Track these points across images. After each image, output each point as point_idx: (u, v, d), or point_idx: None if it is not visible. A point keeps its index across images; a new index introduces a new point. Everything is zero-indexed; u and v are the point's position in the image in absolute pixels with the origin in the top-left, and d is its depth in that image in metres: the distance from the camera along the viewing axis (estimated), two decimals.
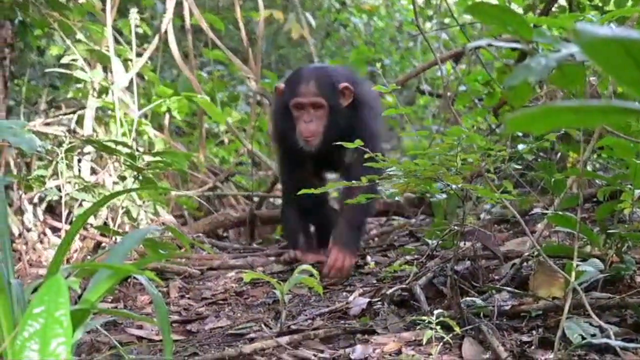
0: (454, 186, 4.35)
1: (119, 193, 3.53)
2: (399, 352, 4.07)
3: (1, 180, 3.53)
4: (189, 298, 5.34)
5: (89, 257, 5.86)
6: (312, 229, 6.23)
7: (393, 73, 11.06)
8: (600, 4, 6.33)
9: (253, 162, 7.83)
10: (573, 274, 3.53)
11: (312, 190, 4.38)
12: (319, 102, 5.48)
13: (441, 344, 3.80)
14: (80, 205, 6.34)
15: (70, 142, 6.14)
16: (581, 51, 1.50)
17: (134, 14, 7.03)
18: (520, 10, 6.35)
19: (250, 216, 6.90)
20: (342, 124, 5.50)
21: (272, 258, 6.16)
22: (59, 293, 2.59)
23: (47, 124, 7.36)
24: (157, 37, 7.25)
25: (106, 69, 7.09)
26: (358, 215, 5.58)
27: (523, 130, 1.39)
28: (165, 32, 7.27)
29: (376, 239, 6.88)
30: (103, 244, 6.10)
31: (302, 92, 5.49)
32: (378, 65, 7.20)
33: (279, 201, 7.56)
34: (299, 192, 4.52)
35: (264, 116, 8.07)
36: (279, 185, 7.31)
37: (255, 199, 7.41)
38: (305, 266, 4.60)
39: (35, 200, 6.75)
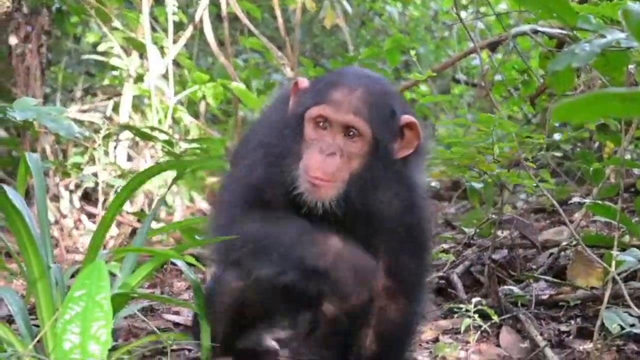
0: (491, 174, 4.33)
1: (153, 170, 3.52)
2: (436, 340, 4.06)
3: (39, 167, 3.55)
4: None
5: (124, 243, 5.88)
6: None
7: (428, 62, 11.02)
8: None
9: None
10: (613, 263, 3.50)
11: None
12: (359, 126, 3.21)
13: (479, 332, 3.78)
14: (116, 192, 6.36)
15: (107, 129, 6.16)
16: (630, 33, 1.49)
17: (170, 2, 7.03)
18: None
19: None
20: (382, 182, 3.33)
21: None
22: (99, 277, 2.61)
23: (83, 111, 7.40)
24: (192, 25, 7.25)
25: (142, 56, 7.10)
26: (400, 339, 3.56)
27: (569, 120, 1.37)
28: (201, 19, 7.27)
29: None
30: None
31: (337, 100, 3.25)
32: (413, 53, 7.12)
33: None
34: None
35: None
36: None
37: None
38: None
39: (72, 187, 6.78)
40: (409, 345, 3.58)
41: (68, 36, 7.77)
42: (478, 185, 4.72)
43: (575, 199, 4.60)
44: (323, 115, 3.24)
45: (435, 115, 10.23)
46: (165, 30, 7.29)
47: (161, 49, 7.10)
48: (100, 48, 7.13)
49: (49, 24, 6.92)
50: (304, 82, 3.43)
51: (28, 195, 4.05)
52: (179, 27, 7.45)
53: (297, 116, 3.30)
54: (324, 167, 3.18)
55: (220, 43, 7.61)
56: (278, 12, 7.57)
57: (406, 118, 3.28)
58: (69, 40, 8.23)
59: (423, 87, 7.60)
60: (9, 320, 3.90)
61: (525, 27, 3.54)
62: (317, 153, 3.20)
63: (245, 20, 7.05)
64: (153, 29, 7.21)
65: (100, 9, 6.92)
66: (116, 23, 6.98)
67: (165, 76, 6.98)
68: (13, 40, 6.71)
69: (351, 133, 3.21)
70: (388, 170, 3.28)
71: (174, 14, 7.12)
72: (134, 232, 6.14)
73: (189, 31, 7.20)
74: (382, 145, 3.24)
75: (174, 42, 7.12)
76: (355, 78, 3.36)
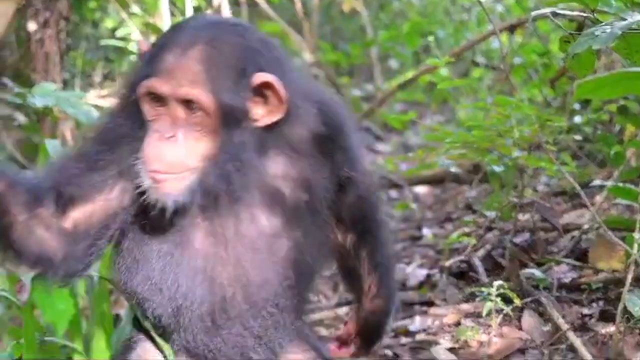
0: (510, 157, 4.33)
1: None
2: (458, 323, 4.06)
3: (59, 153, 3.56)
4: None
5: None
6: None
7: (447, 46, 10.98)
8: None
9: None
10: (635, 245, 3.48)
11: None
12: (198, 98, 2.56)
13: (501, 315, 3.78)
14: None
15: None
16: None
17: None
18: None
19: None
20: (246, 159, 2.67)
21: None
22: None
23: (102, 97, 7.41)
24: (210, 10, 7.24)
25: None
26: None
27: (592, 96, 1.37)
28: (219, 5, 7.27)
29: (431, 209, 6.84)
30: None
31: (167, 68, 2.58)
32: (431, 38, 7.10)
33: None
34: None
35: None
36: None
37: None
38: None
39: None
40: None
41: (86, 22, 7.77)
42: (498, 169, 4.70)
43: (597, 182, 4.58)
44: (152, 90, 2.58)
45: (455, 99, 10.20)
46: (183, 15, 7.30)
47: None
48: (119, 33, 7.13)
49: (68, 9, 6.92)
50: (144, 45, 2.75)
51: None
52: (196, 11, 7.45)
53: (134, 93, 2.64)
54: (162, 156, 2.56)
55: None
56: None
57: (260, 76, 2.61)
58: (87, 26, 8.24)
59: (443, 71, 7.55)
60: None
61: (546, 10, 3.52)
62: (156, 139, 2.58)
63: (264, 5, 7.04)
64: (171, 14, 7.21)
65: None
66: (134, 8, 6.99)
67: None
68: (32, 26, 6.71)
69: (192, 107, 2.57)
70: (251, 144, 2.65)
71: None
72: None
73: None
74: (233, 115, 2.60)
75: None
76: (192, 32, 2.63)
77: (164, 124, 2.57)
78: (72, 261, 2.63)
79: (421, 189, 7.08)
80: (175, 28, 2.72)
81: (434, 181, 7.21)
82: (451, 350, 3.84)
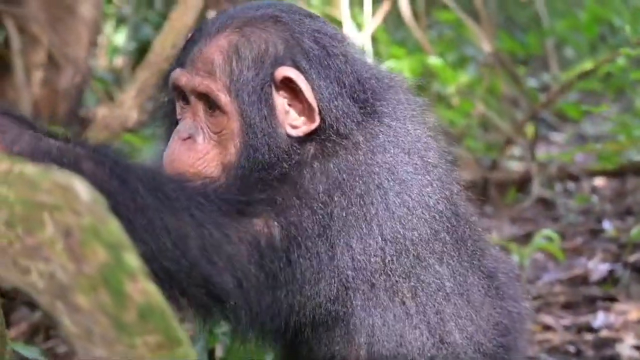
0: None
1: None
2: None
3: None
4: None
5: None
6: None
7: (623, 35, 10.71)
8: None
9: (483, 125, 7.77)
10: None
11: None
12: (213, 93, 2.31)
13: None
14: None
15: None
16: None
17: None
18: None
19: (483, 179, 6.84)
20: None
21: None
22: None
23: None
24: (389, 1, 7.27)
25: None
26: None
27: None
28: None
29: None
30: None
31: (191, 58, 2.36)
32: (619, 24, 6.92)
33: (514, 163, 7.43)
34: None
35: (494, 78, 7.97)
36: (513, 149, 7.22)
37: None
38: (545, 231, 4.52)
39: None
40: None
41: None
42: None
43: None
44: (173, 82, 2.37)
45: (633, 88, 9.94)
46: (359, 5, 7.34)
47: (357, 24, 7.16)
48: None
49: None
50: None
51: None
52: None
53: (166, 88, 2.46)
54: (176, 160, 2.33)
55: (415, 16, 7.61)
56: None
57: (283, 70, 2.28)
58: None
59: (620, 60, 7.38)
60: None
61: None
62: (175, 140, 2.34)
63: None
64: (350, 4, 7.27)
65: None
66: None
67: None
68: (212, 14, 6.89)
69: (211, 104, 2.31)
70: (279, 157, 2.29)
71: None
72: None
73: (386, 5, 7.21)
74: (255, 116, 2.29)
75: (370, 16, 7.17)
76: (226, 19, 2.35)
77: (186, 124, 2.36)
78: None
79: (599, 181, 6.94)
80: (216, 16, 2.45)
81: (613, 173, 7.04)
82: (636, 347, 3.78)
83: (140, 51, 7.14)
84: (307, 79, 2.28)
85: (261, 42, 2.30)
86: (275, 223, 2.19)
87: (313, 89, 2.28)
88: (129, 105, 4.34)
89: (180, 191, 2.14)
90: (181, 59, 2.39)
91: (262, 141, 2.28)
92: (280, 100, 2.30)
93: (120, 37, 8.12)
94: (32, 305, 3.88)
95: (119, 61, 8.41)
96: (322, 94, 2.28)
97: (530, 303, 4.07)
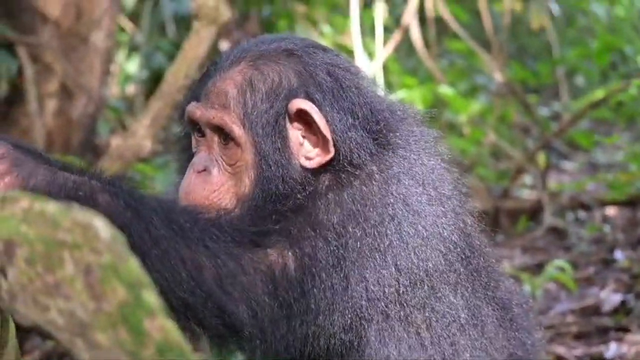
0: None
1: None
2: None
3: None
4: None
5: None
6: None
7: (634, 63, 10.72)
8: None
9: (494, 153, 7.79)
10: None
11: None
12: (227, 125, 2.35)
13: None
14: None
15: None
16: None
17: (381, 6, 7.08)
18: None
19: (494, 208, 6.85)
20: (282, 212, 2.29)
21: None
22: None
23: None
24: (401, 29, 7.29)
25: None
26: None
27: None
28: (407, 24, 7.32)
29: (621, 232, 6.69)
30: None
31: (206, 91, 2.40)
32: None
33: (525, 192, 7.44)
34: None
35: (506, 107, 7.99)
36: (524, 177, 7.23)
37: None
38: (557, 261, 4.53)
39: None
40: None
41: None
42: None
43: None
44: (187, 115, 2.41)
45: None
46: (370, 34, 7.37)
47: (368, 53, 7.18)
48: None
49: (258, 28, 7.10)
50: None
51: None
52: (385, 30, 7.52)
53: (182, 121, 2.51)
54: (192, 193, 2.35)
55: (426, 45, 7.64)
56: (486, 16, 7.53)
57: (296, 103, 2.31)
58: None
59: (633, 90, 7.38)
60: None
61: None
62: (190, 173, 2.37)
63: (455, 25, 7.05)
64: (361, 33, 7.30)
65: (308, 14, 7.06)
66: (324, 27, 7.10)
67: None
68: (224, 45, 6.92)
69: (225, 136, 2.35)
70: (293, 189, 2.30)
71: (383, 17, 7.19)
72: None
73: (397, 35, 7.24)
74: (269, 148, 2.31)
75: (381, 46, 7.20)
76: (240, 53, 2.40)
77: (201, 157, 2.39)
78: None
79: (611, 210, 6.93)
80: (230, 49, 2.52)
81: (626, 202, 7.05)
82: None
83: (153, 79, 7.18)
84: (320, 110, 2.30)
85: (275, 75, 2.34)
86: (290, 254, 2.21)
87: (327, 120, 2.30)
88: (143, 134, 4.37)
89: (194, 222, 2.17)
90: (196, 92, 2.43)
91: (277, 173, 2.30)
92: (295, 132, 2.33)
93: (132, 65, 8.16)
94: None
95: (131, 89, 8.45)
96: (335, 126, 2.31)
97: (542, 333, 4.08)
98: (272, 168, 2.30)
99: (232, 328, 2.18)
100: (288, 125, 2.32)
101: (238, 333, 2.19)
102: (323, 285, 2.21)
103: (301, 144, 2.34)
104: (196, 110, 2.38)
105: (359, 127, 2.32)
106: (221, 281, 2.14)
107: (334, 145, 2.30)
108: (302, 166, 2.33)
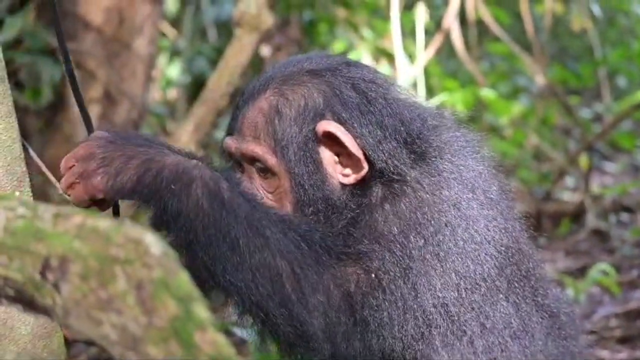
0: None
1: None
2: None
3: None
4: None
5: None
6: None
7: None
8: None
9: (536, 156, 7.77)
10: None
11: None
12: (261, 157, 2.40)
13: None
14: None
15: None
16: None
17: (422, 8, 7.07)
18: None
19: (536, 210, 6.83)
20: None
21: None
22: None
23: None
24: (442, 33, 7.29)
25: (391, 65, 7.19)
26: None
27: None
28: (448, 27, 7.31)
29: None
30: None
31: (237, 124, 2.47)
32: None
33: (567, 194, 7.42)
34: None
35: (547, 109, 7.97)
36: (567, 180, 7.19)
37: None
38: (600, 264, 4.51)
39: None
40: None
41: (316, 45, 7.95)
42: None
43: None
44: (227, 151, 2.48)
45: None
46: (411, 37, 7.36)
47: (409, 57, 7.18)
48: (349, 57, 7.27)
49: (299, 33, 7.12)
50: None
51: None
52: (426, 33, 7.51)
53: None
54: None
55: (466, 48, 7.63)
56: (527, 17, 7.50)
57: (323, 125, 2.34)
58: (317, 49, 8.44)
59: None
60: None
61: None
62: None
63: (495, 27, 7.03)
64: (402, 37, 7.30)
65: (349, 18, 7.07)
66: (365, 32, 7.11)
67: (414, 84, 7.06)
68: (266, 50, 6.95)
69: (261, 166, 2.40)
70: (340, 206, 2.35)
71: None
72: None
73: (438, 38, 7.23)
74: (304, 173, 2.36)
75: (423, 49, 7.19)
76: (265, 80, 2.45)
77: (245, 187, 2.36)
78: None
79: None
80: (258, 77, 2.51)
81: None
82: None
83: (195, 84, 7.24)
84: (348, 129, 2.34)
85: (300, 98, 2.37)
86: (361, 270, 2.25)
87: (356, 137, 2.33)
88: (186, 140, 4.41)
89: (280, 231, 2.21)
90: (230, 126, 2.48)
91: (316, 195, 2.36)
92: (327, 153, 2.37)
93: (174, 70, 8.22)
94: None
95: (173, 94, 8.51)
96: (366, 141, 2.33)
97: (586, 338, 4.07)
98: (309, 191, 2.36)
99: (304, 338, 2.21)
100: (319, 147, 2.37)
101: (309, 344, 2.22)
102: (394, 297, 2.24)
103: (336, 162, 2.38)
104: (231, 144, 2.43)
105: (390, 138, 2.35)
106: (301, 291, 2.18)
107: (368, 160, 2.33)
108: (341, 183, 2.37)
